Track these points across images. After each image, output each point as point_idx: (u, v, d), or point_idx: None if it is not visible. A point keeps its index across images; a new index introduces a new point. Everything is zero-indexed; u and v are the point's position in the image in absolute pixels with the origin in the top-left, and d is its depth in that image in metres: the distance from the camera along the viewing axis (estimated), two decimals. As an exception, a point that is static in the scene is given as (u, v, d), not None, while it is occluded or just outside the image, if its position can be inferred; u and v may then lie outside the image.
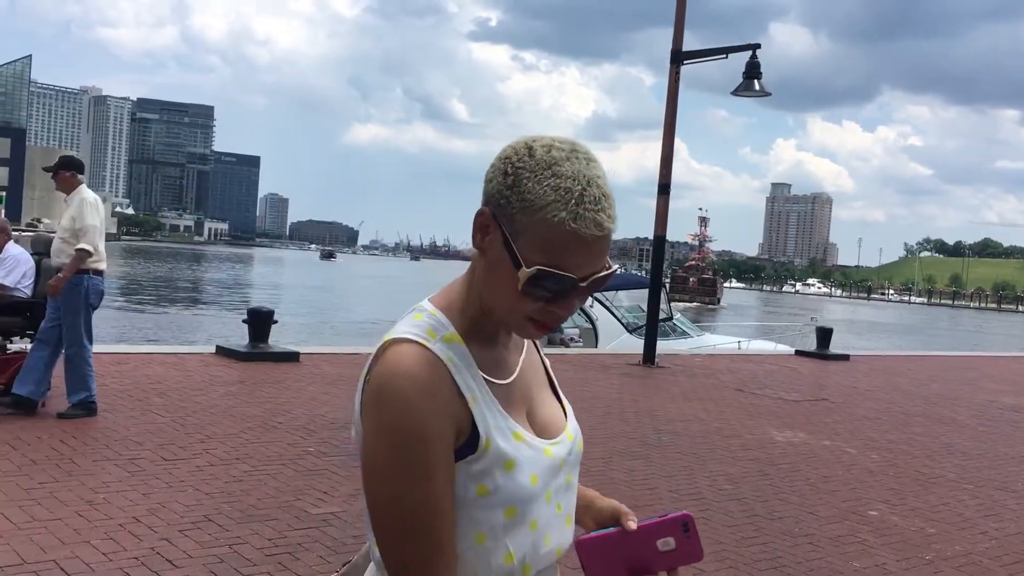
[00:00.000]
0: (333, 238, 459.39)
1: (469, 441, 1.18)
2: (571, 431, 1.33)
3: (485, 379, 1.23)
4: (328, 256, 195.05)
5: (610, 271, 1.21)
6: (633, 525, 1.28)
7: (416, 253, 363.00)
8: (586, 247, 1.16)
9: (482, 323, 1.26)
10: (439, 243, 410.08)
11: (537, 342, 1.40)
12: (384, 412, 1.15)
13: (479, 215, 1.21)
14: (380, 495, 1.17)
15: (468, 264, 1.32)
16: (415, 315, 1.25)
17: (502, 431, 1.21)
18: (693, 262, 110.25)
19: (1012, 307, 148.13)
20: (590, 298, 16.92)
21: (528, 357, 1.35)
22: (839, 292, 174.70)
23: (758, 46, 13.21)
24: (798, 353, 16.00)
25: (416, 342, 1.19)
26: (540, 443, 1.25)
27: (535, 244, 1.15)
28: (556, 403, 1.35)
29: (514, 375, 1.28)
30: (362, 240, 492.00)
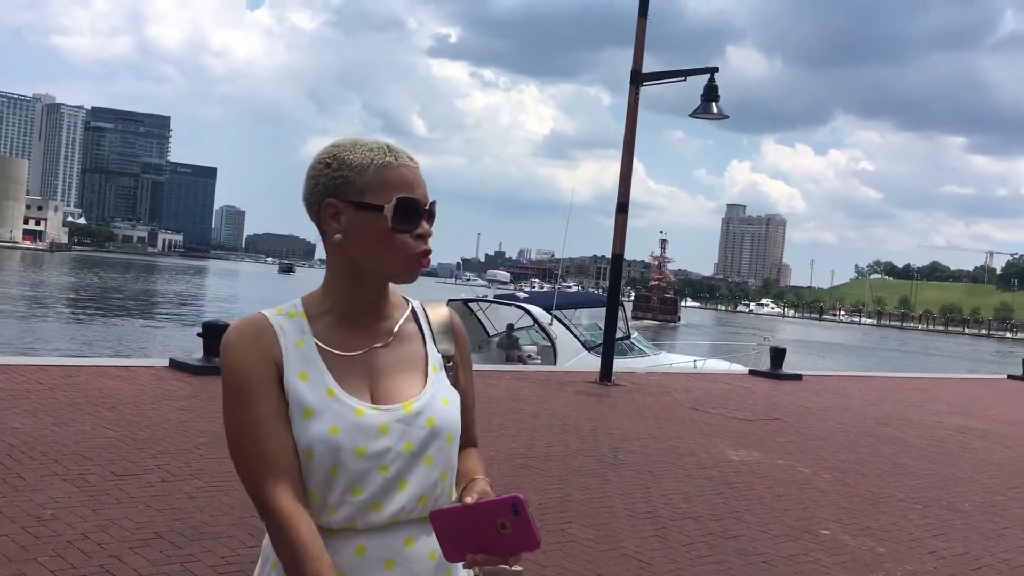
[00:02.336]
0: (290, 251, 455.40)
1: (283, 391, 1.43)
2: (415, 406, 1.47)
3: (319, 346, 1.46)
4: (287, 270, 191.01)
5: (435, 200, 1.48)
6: (470, 501, 1.39)
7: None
8: (416, 177, 1.46)
9: (337, 309, 1.50)
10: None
11: (436, 343, 1.58)
12: (221, 359, 1.45)
13: (326, 207, 1.45)
14: (225, 424, 1.44)
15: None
16: (284, 304, 1.53)
17: (313, 384, 1.43)
18: (655, 282, 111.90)
19: (959, 329, 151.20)
20: (549, 316, 17.00)
21: (399, 346, 1.53)
22: (792, 312, 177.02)
23: (716, 69, 13.41)
24: (752, 373, 16.18)
25: (260, 312, 1.49)
26: (354, 403, 1.44)
27: (379, 189, 1.43)
28: (415, 385, 1.51)
29: (360, 352, 1.49)
30: (319, 254, 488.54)
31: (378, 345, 1.51)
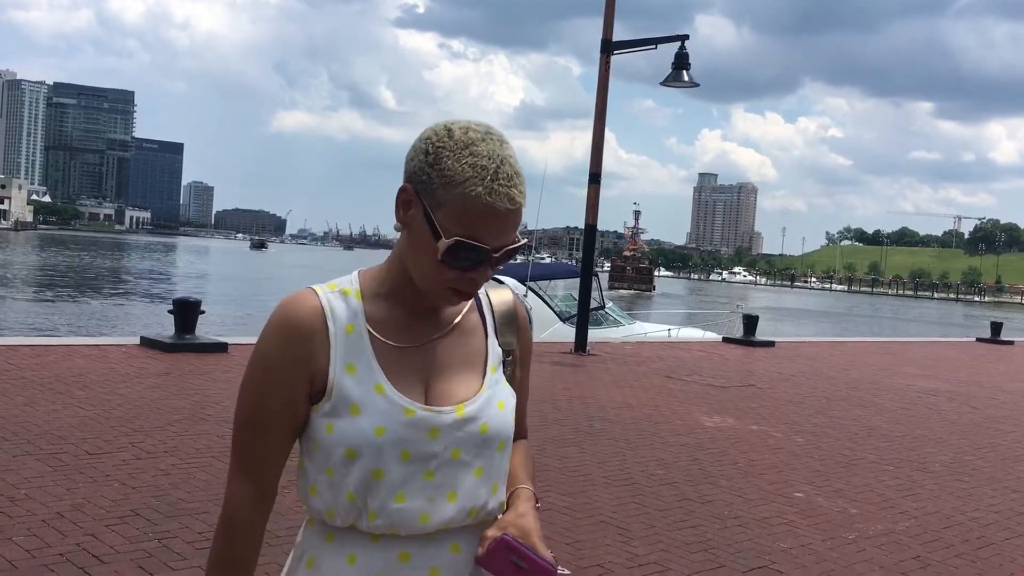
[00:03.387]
0: (260, 227, 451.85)
1: (325, 385, 1.34)
2: (469, 410, 1.37)
3: (371, 334, 1.36)
4: (259, 246, 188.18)
5: (520, 244, 1.34)
6: (479, 552, 1.36)
7: (348, 242, 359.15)
8: (499, 220, 1.28)
9: (397, 292, 1.39)
10: (368, 232, 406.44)
11: (497, 335, 1.47)
12: (260, 337, 1.37)
13: (402, 191, 1.33)
14: (237, 399, 1.38)
15: None
16: (341, 277, 1.42)
17: (361, 379, 1.33)
18: (630, 252, 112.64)
19: (928, 294, 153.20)
20: (524, 287, 17.00)
21: (459, 339, 1.43)
22: (764, 280, 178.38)
23: (686, 37, 13.38)
24: (725, 340, 16.31)
25: (312, 289, 1.38)
26: (406, 402, 1.34)
27: (453, 216, 1.27)
28: (472, 385, 1.40)
29: (417, 345, 1.38)
30: (290, 229, 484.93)
31: (436, 337, 1.40)
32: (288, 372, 1.33)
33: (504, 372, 1.46)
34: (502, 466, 1.42)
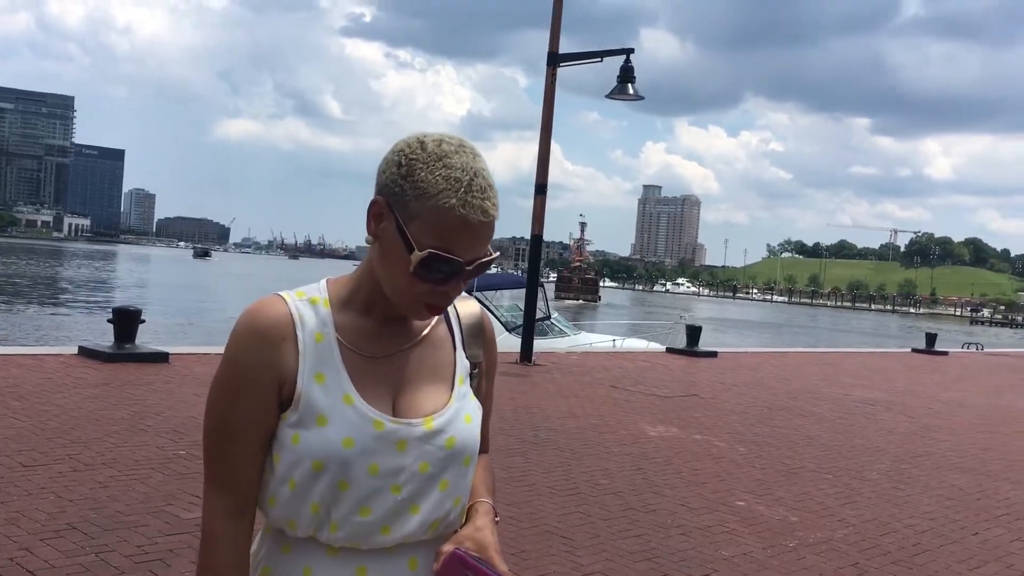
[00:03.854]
0: (203, 235, 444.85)
1: (293, 394, 1.31)
2: (437, 422, 1.36)
3: (341, 343, 1.34)
4: (203, 254, 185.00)
5: (493, 257, 1.33)
6: (436, 566, 1.35)
7: (293, 251, 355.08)
8: (473, 232, 1.27)
9: (366, 302, 1.37)
10: (314, 241, 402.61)
11: (465, 348, 1.47)
12: (227, 343, 1.33)
13: (374, 204, 1.31)
14: (205, 411, 1.34)
15: (346, 262, 1.38)
16: (308, 285, 1.40)
17: (329, 389, 1.31)
18: (576, 263, 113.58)
19: (865, 305, 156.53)
20: (471, 298, 16.98)
21: (427, 351, 1.42)
22: (707, 291, 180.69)
23: (632, 51, 13.53)
24: (669, 350, 16.48)
25: (279, 296, 1.36)
26: (374, 414, 1.32)
27: (427, 229, 1.26)
28: (440, 398, 1.39)
29: (386, 355, 1.37)
30: (234, 238, 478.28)
31: (405, 347, 1.39)
32: (258, 377, 1.31)
33: (471, 385, 1.45)
34: (466, 480, 1.41)
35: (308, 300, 1.36)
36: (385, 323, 1.38)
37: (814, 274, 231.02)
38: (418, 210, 1.26)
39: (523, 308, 14.02)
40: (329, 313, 1.35)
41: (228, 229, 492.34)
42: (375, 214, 1.31)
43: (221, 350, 1.38)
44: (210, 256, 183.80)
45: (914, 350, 22.26)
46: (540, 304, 15.11)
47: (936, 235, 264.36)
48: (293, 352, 1.31)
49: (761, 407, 10.52)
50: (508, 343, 15.59)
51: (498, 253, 1.36)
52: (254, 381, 1.30)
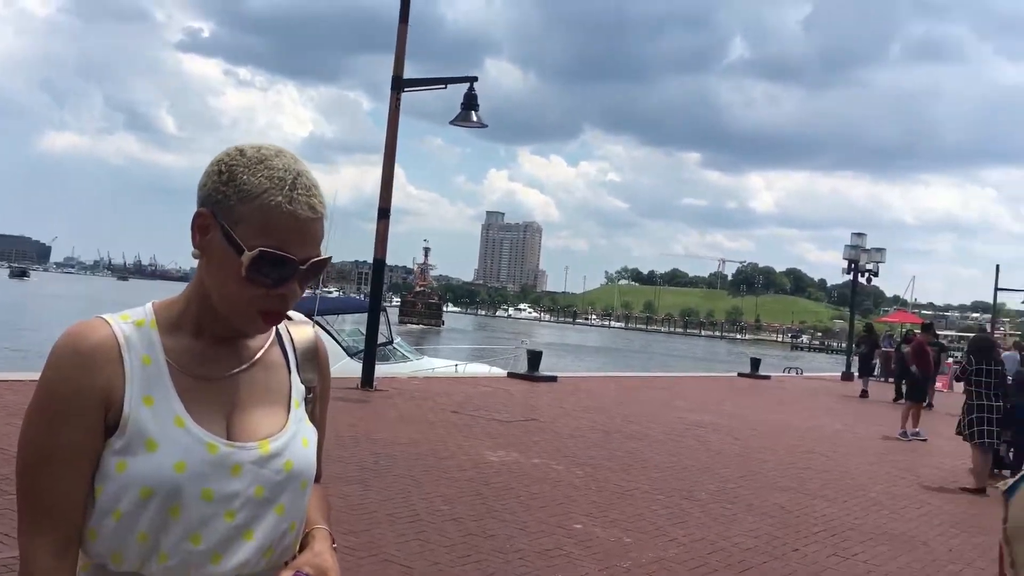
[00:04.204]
0: (20, 254, 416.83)
1: (119, 419, 1.24)
2: (274, 446, 1.32)
3: (170, 365, 1.28)
4: (20, 274, 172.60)
5: (327, 258, 1.29)
6: None
7: (122, 272, 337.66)
8: (303, 229, 1.25)
9: (196, 322, 1.32)
10: (145, 262, 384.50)
11: (299, 371, 1.43)
12: (44, 367, 1.25)
13: (197, 216, 1.28)
14: (19, 440, 1.26)
15: (180, 284, 1.33)
16: (133, 308, 1.34)
17: (159, 412, 1.25)
18: (420, 288, 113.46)
19: (696, 331, 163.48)
20: (311, 322, 16.61)
21: (262, 373, 1.37)
22: (548, 317, 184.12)
23: (475, 79, 13.69)
24: (510, 375, 16.65)
25: (102, 318, 1.29)
26: (208, 437, 1.27)
27: (255, 230, 1.23)
28: (276, 421, 1.35)
29: (219, 378, 1.31)
30: (55, 257, 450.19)
31: (238, 370, 1.34)
32: (82, 402, 1.23)
33: (306, 409, 1.41)
34: (303, 505, 1.36)
35: (133, 322, 1.30)
36: (217, 344, 1.33)
37: (649, 301, 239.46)
38: (244, 213, 1.23)
39: (365, 333, 13.83)
40: (156, 335, 1.30)
41: (49, 248, 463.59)
42: (199, 226, 1.27)
43: (36, 376, 1.28)
44: (28, 276, 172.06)
45: (740, 374, 23.37)
46: (383, 329, 14.96)
47: (760, 265, 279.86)
48: (119, 375, 1.25)
49: (598, 431, 10.76)
50: (350, 368, 15.34)
51: (330, 255, 1.33)
52: (77, 407, 1.22)
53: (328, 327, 17.16)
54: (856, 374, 22.85)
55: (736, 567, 5.59)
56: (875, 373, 24.53)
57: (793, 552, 6.07)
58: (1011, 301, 63.37)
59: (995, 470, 9.97)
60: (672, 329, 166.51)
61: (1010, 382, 10.09)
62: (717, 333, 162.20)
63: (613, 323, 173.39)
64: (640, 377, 21.04)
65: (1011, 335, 66.77)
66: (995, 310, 53.87)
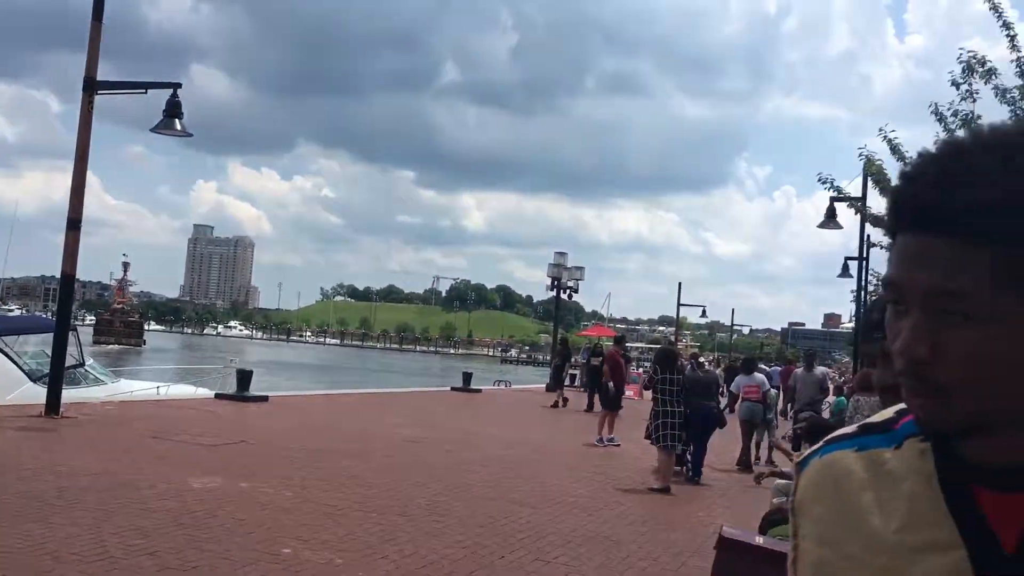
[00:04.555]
0: None
1: None
2: None
3: None
4: None
5: None
6: None
7: None
8: None
9: None
10: None
11: None
12: None
13: None
14: None
15: None
16: None
17: None
18: (119, 305, 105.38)
19: (411, 347, 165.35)
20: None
21: None
22: (261, 334, 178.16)
23: (179, 85, 13.02)
24: (218, 396, 15.90)
25: None
26: None
27: None
28: None
29: None
30: None
31: None
32: None
33: None
34: None
35: None
36: None
37: (365, 317, 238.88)
38: None
39: (51, 354, 12.65)
40: None
41: None
42: None
43: None
44: None
45: (453, 388, 23.92)
46: (72, 350, 13.77)
47: (472, 281, 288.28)
48: None
49: (311, 450, 10.55)
50: (32, 394, 13.96)
51: None
52: None
53: (7, 349, 15.52)
54: (558, 384, 23.75)
55: (445, 579, 5.69)
56: (575, 383, 26.06)
57: (499, 560, 6.28)
58: (692, 315, 69.98)
59: (678, 468, 10.95)
60: (388, 345, 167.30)
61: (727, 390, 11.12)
62: (432, 348, 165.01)
63: (329, 340, 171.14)
64: (355, 394, 20.91)
65: (692, 346, 73.74)
66: (678, 323, 59.30)
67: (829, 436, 0.98)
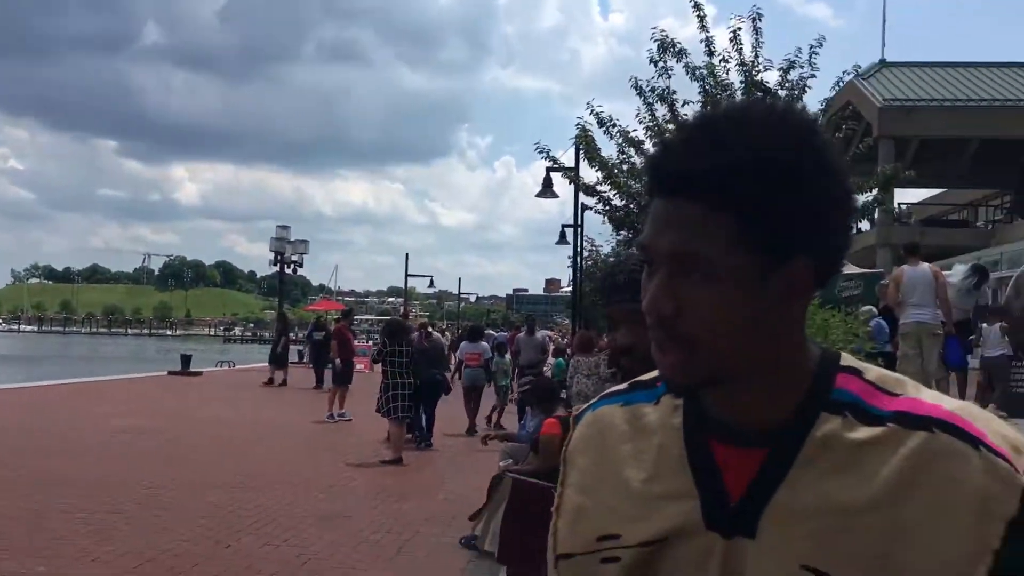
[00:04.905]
0: None
1: None
2: None
3: None
4: None
5: None
6: None
7: None
8: None
9: None
10: None
11: None
12: None
13: None
14: None
15: None
16: None
17: None
18: None
19: (122, 330, 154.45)
20: None
21: None
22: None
23: None
24: None
25: None
26: None
27: None
28: None
29: None
30: None
31: None
32: None
33: None
34: None
35: None
36: None
37: (66, 300, 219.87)
38: None
39: None
40: None
41: None
42: None
43: None
44: None
45: (171, 372, 22.64)
46: None
47: (189, 258, 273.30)
48: None
49: (6, 450, 9.55)
50: None
51: None
52: None
53: None
54: (276, 362, 22.22)
55: (167, 575, 5.37)
56: (303, 360, 25.47)
57: (226, 549, 6.02)
58: (420, 285, 70.89)
59: (409, 436, 11.07)
60: (95, 329, 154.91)
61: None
62: (146, 331, 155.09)
63: (24, 327, 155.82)
64: (58, 385, 19.19)
65: (421, 316, 74.67)
66: (407, 294, 59.79)
67: (605, 392, 1.04)
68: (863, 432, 0.85)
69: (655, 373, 0.97)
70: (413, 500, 8.05)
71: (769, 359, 0.86)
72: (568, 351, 14.76)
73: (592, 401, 1.04)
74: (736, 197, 0.81)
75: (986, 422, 0.84)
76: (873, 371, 0.90)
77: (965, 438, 0.82)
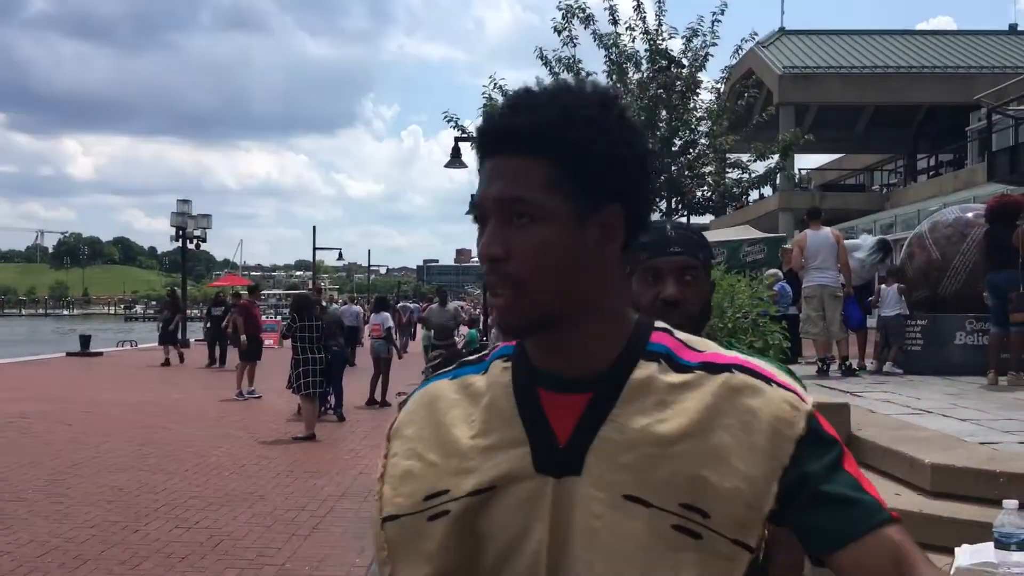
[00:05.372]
0: None
1: None
2: None
3: None
4: None
5: None
6: None
7: None
8: None
9: None
10: None
11: None
12: None
13: None
14: None
15: None
16: None
17: None
18: None
19: (15, 311, 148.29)
20: None
21: None
22: None
23: None
24: None
25: None
26: None
27: None
28: None
29: None
30: None
31: None
32: None
33: None
34: None
35: None
36: None
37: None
38: None
39: None
40: None
41: None
42: None
43: None
44: None
45: (69, 354, 21.85)
46: None
47: (85, 235, 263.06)
48: None
49: None
50: None
51: None
52: None
53: None
54: (167, 341, 20.44)
55: (70, 564, 5.18)
56: (201, 338, 24.86)
57: (134, 534, 5.84)
58: (328, 258, 69.86)
59: (323, 409, 10.94)
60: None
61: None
62: (41, 311, 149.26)
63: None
64: (-53, 370, 18.32)
65: (330, 289, 73.61)
66: (316, 267, 58.82)
67: (432, 374, 1.11)
68: (675, 377, 0.96)
69: (483, 352, 1.08)
70: (328, 476, 7.95)
71: (592, 302, 0.96)
72: (490, 320, 14.75)
73: (419, 384, 1.11)
74: (548, 145, 0.93)
75: (775, 370, 1.00)
76: (682, 334, 1.02)
77: (759, 376, 0.96)
